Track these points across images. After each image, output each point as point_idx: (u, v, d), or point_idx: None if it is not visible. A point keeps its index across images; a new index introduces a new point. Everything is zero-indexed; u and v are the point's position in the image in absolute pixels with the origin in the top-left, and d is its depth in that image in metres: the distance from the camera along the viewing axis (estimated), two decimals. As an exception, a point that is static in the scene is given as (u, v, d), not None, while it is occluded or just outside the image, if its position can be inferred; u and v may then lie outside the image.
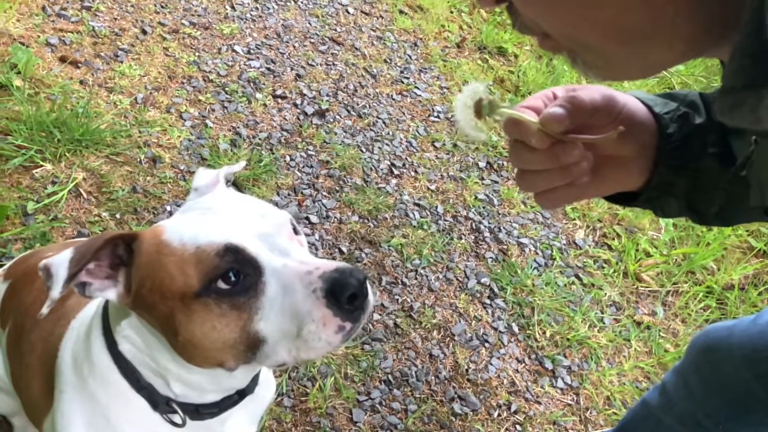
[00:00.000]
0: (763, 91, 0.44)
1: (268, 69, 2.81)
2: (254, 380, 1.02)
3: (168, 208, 2.06)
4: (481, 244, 2.40)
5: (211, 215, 0.86)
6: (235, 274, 0.79)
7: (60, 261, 0.78)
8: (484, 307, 2.19)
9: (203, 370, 0.88)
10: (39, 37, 2.47)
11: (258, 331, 0.80)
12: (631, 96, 0.78)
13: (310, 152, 2.50)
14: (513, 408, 1.92)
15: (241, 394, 0.99)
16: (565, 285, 2.36)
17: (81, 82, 2.38)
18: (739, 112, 0.47)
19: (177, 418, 0.93)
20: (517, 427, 1.89)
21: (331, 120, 2.69)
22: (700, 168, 0.78)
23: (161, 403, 0.92)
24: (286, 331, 0.80)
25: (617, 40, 0.55)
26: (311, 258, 0.85)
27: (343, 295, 0.78)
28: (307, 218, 2.24)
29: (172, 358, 0.88)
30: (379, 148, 2.65)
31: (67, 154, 2.09)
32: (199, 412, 0.95)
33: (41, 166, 2.03)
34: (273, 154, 2.42)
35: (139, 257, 0.83)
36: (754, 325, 1.22)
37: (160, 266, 0.81)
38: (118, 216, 1.99)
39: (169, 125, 2.36)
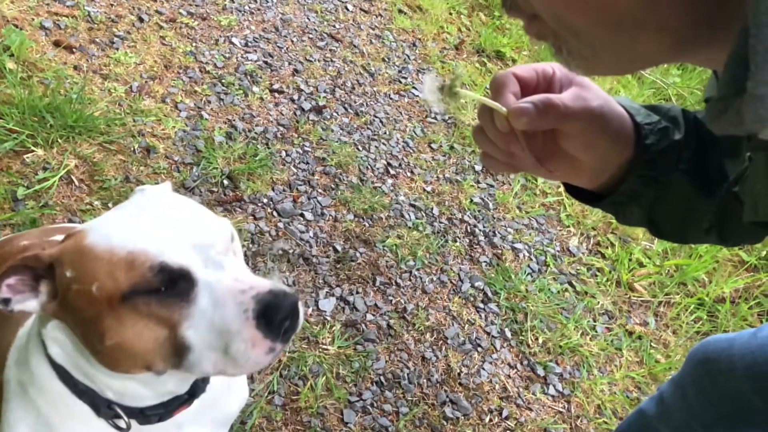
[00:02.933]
0: (746, 93, 0.44)
1: (266, 62, 2.78)
2: (201, 384, 0.97)
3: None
4: (475, 248, 2.39)
5: (145, 218, 0.81)
6: (166, 287, 0.77)
7: None
8: (478, 311, 2.17)
9: (132, 376, 0.83)
10: (33, 20, 2.42)
11: (185, 338, 0.78)
12: (618, 105, 0.78)
13: (306, 148, 2.47)
14: (504, 414, 1.91)
15: (191, 394, 0.95)
16: (559, 292, 2.35)
17: (75, 68, 2.33)
18: (725, 116, 0.48)
19: (122, 423, 0.89)
20: (508, 433, 1.87)
21: (328, 117, 2.67)
22: (668, 182, 0.79)
23: (103, 407, 0.88)
24: (213, 345, 0.78)
25: (608, 24, 0.54)
26: (246, 275, 0.82)
27: (276, 317, 0.78)
28: (302, 215, 2.21)
29: (94, 365, 0.84)
30: (375, 147, 2.62)
31: (59, 140, 2.04)
32: (145, 414, 0.91)
33: (32, 151, 1.98)
34: (269, 148, 2.39)
35: (60, 268, 0.79)
36: (755, 338, 1.21)
37: (86, 272, 0.77)
38: (110, 205, 1.95)
39: (164, 115, 2.32)
